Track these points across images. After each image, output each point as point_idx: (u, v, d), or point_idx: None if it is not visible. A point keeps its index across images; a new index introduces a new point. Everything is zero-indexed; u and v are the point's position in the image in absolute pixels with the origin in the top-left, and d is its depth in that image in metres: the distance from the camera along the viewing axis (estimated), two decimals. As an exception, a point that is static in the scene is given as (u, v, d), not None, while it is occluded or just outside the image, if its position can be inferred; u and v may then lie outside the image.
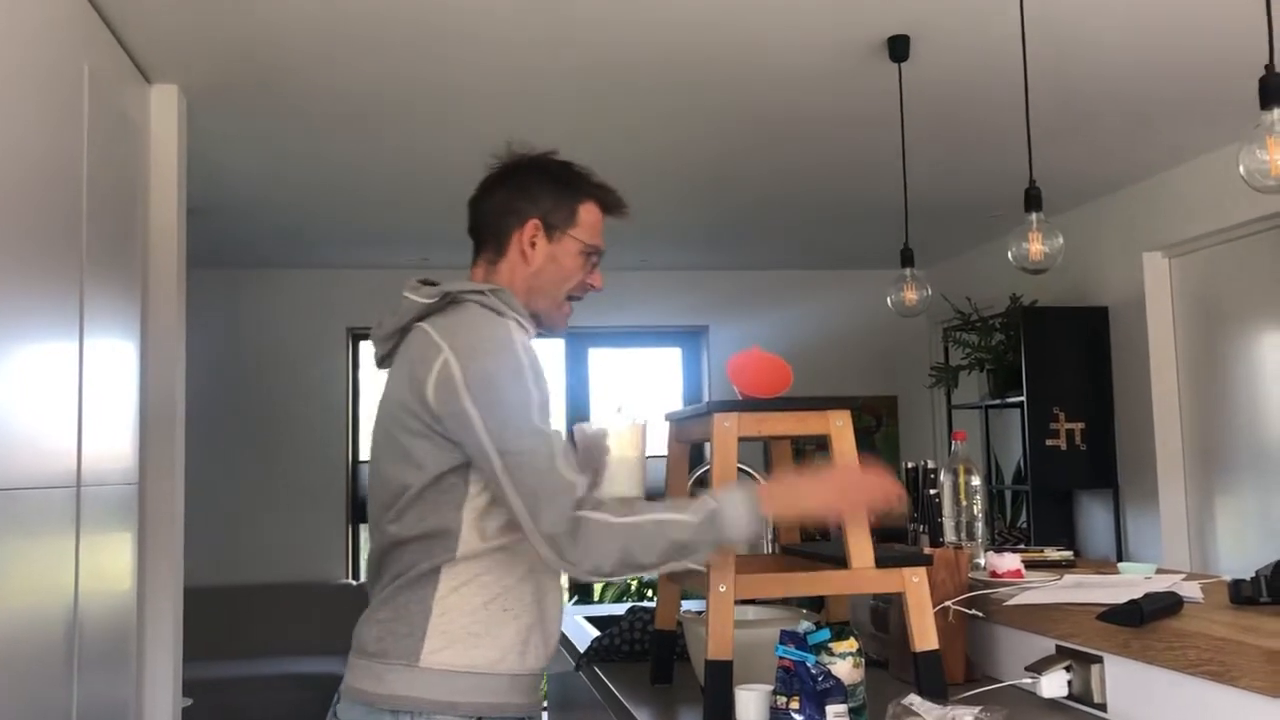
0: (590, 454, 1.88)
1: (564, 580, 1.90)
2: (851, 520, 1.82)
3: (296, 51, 3.24)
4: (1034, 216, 2.87)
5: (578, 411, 6.88)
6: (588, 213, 1.88)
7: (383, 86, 3.55)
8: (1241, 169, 2.15)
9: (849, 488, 1.79)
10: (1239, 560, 4.55)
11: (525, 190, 1.86)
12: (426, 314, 1.76)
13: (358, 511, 6.60)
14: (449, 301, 1.77)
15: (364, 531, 6.72)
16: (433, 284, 1.80)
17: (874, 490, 1.78)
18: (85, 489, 2.63)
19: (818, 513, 1.78)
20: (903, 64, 3.33)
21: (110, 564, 2.91)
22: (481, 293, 1.77)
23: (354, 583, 6.41)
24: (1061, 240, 2.88)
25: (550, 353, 6.72)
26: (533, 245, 1.84)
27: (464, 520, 1.70)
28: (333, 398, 6.55)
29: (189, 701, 3.57)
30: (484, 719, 1.71)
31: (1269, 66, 2.14)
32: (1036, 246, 2.84)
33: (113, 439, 2.92)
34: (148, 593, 3.32)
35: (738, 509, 1.66)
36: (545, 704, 2.31)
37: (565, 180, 1.88)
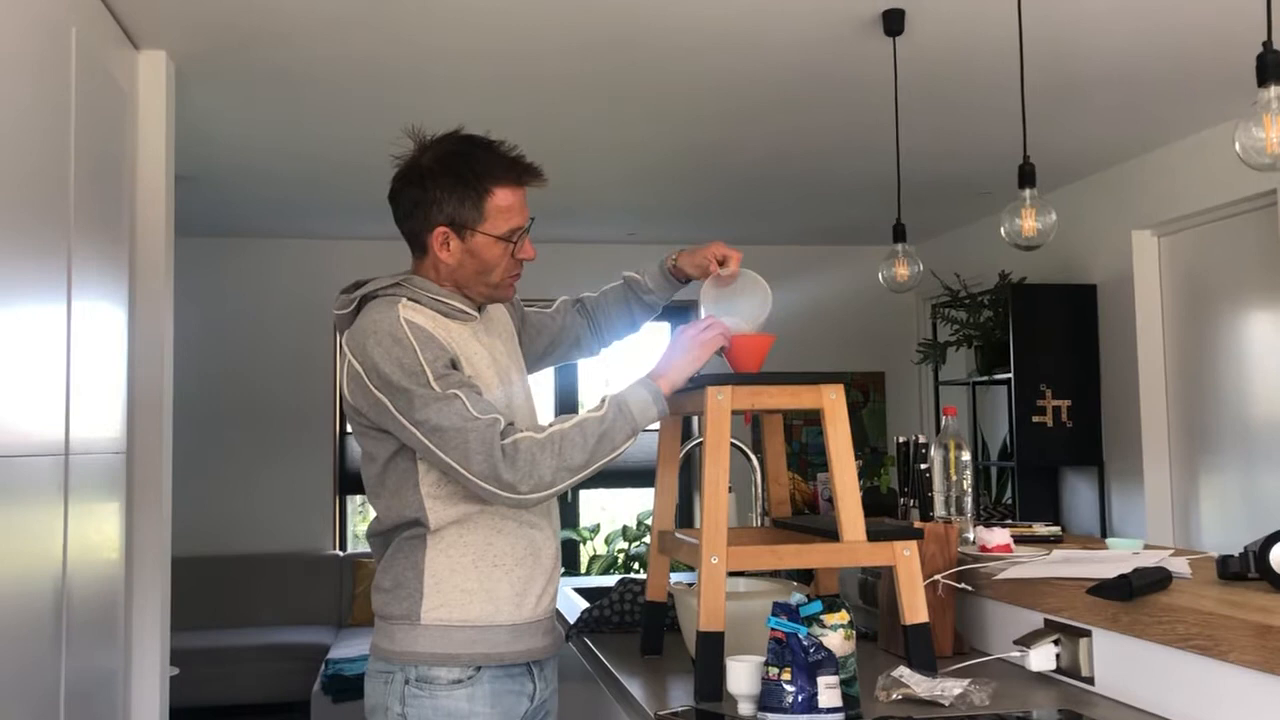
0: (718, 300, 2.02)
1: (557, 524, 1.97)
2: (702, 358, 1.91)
3: (286, 18, 3.21)
4: (1027, 193, 2.87)
5: (565, 384, 6.88)
6: (498, 201, 1.88)
7: (374, 55, 3.52)
8: (1237, 146, 2.15)
9: (701, 342, 1.90)
10: (1222, 537, 4.59)
11: (429, 193, 1.88)
12: (348, 324, 1.91)
13: (345, 482, 6.59)
14: (359, 308, 1.91)
15: (351, 503, 6.72)
16: (358, 286, 1.93)
17: (713, 336, 1.91)
18: (73, 457, 2.61)
19: (691, 371, 1.89)
20: (897, 38, 3.32)
21: (98, 533, 2.90)
22: (388, 287, 1.89)
23: (341, 553, 6.41)
24: (1054, 217, 2.88)
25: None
26: (446, 247, 1.89)
27: (423, 496, 1.83)
28: (321, 368, 6.53)
29: (176, 671, 3.56)
30: (484, 668, 1.83)
31: (1266, 43, 2.13)
32: (1029, 223, 2.84)
33: (101, 407, 2.90)
34: (135, 562, 3.31)
35: (639, 392, 1.82)
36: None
37: (468, 175, 1.87)
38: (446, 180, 1.87)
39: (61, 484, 2.55)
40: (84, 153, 2.72)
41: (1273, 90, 2.09)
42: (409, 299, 1.86)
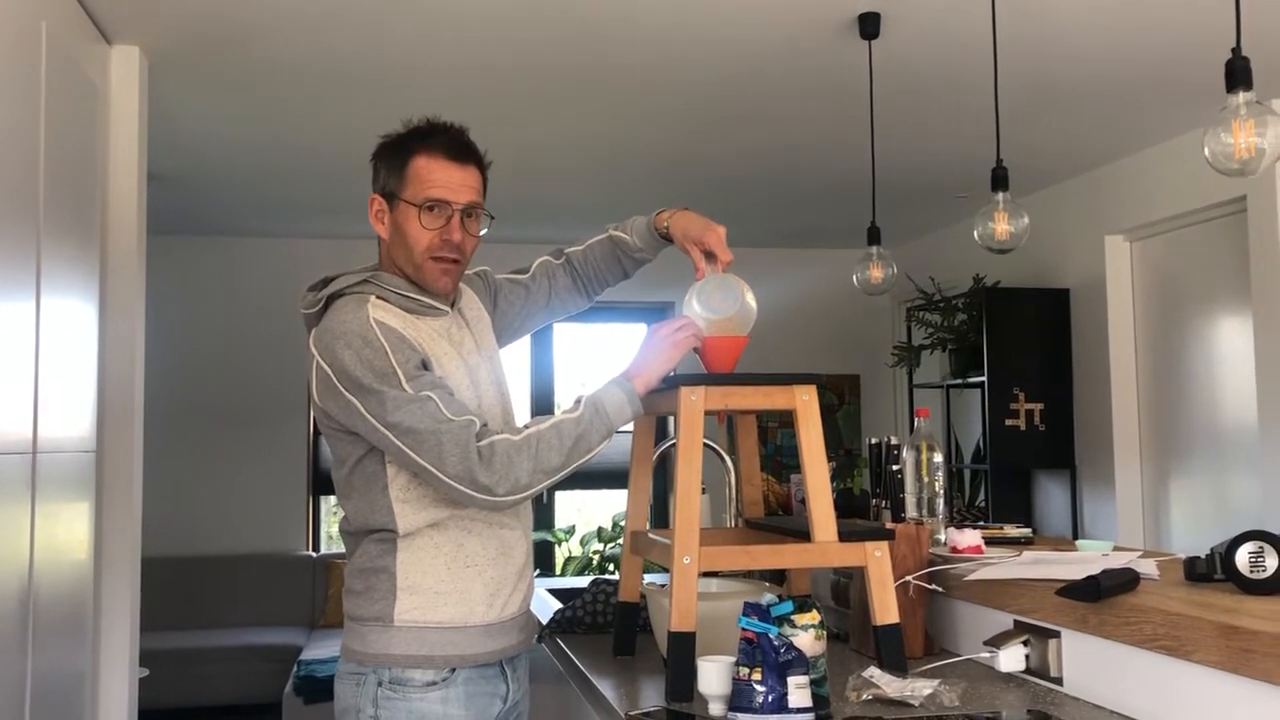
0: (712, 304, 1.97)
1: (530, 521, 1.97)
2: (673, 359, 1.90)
3: (261, 14, 3.19)
4: (1000, 196, 2.89)
5: (542, 388, 6.87)
6: (417, 168, 1.86)
7: (349, 54, 3.51)
8: (1206, 152, 2.17)
9: (674, 342, 1.88)
10: (1192, 540, 4.63)
11: (373, 165, 1.90)
12: (316, 324, 1.86)
13: (318, 483, 6.55)
14: (326, 306, 1.86)
15: (324, 503, 6.68)
16: (325, 283, 1.89)
17: (686, 336, 1.89)
18: (41, 456, 2.59)
19: (665, 370, 1.86)
20: (873, 42, 3.33)
21: (67, 533, 2.87)
22: (355, 284, 1.85)
23: (314, 554, 6.37)
24: (1027, 220, 2.90)
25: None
26: (381, 220, 1.89)
27: (392, 500, 1.81)
28: (294, 368, 6.49)
29: (146, 672, 3.54)
30: (459, 670, 1.82)
31: (1235, 50, 2.15)
32: (1002, 226, 2.86)
33: (70, 406, 2.88)
34: (105, 563, 3.28)
35: (615, 393, 1.80)
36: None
37: (396, 144, 1.88)
38: (384, 150, 1.89)
39: (29, 483, 2.52)
40: (54, 149, 2.70)
41: (1241, 96, 2.12)
42: (377, 297, 1.83)
